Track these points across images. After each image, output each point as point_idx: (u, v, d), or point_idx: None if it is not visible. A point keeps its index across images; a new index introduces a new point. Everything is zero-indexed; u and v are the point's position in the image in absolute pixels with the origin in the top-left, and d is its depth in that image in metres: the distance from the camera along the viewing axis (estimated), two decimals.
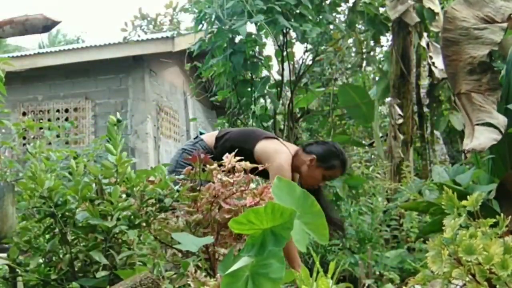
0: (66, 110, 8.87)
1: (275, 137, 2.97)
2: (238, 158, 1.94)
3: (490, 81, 2.17)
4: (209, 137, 2.96)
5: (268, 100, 5.14)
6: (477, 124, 2.15)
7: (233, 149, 2.67)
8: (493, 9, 2.21)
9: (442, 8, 4.77)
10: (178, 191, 1.92)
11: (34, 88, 8.99)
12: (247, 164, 1.92)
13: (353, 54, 7.63)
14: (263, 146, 2.79)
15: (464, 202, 1.40)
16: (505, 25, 2.18)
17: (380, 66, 6.86)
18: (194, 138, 3.01)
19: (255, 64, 4.70)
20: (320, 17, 4.80)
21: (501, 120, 2.15)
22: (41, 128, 4.51)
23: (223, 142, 2.86)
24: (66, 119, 8.74)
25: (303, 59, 5.58)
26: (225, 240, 1.85)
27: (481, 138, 2.08)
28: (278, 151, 2.78)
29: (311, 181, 2.83)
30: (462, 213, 1.40)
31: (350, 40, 7.06)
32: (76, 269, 1.91)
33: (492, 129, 2.15)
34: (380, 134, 6.14)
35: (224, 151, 2.72)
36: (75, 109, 8.82)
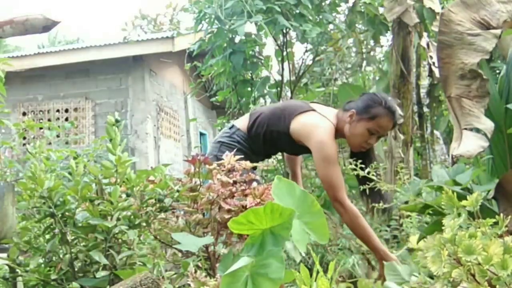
0: (66, 110, 8.87)
1: (310, 109, 2.58)
2: (238, 157, 1.92)
3: (479, 88, 2.17)
4: (243, 123, 2.67)
5: (268, 100, 5.14)
6: (465, 129, 2.16)
7: (270, 134, 2.59)
8: (489, 12, 2.21)
9: (442, 8, 4.76)
10: (178, 191, 1.92)
11: (34, 88, 9.00)
12: (247, 164, 1.91)
13: (353, 54, 7.63)
14: (298, 124, 2.51)
15: (463, 202, 1.40)
16: (498, 31, 2.19)
17: (380, 66, 6.86)
18: (230, 128, 2.68)
19: (255, 64, 4.70)
20: (320, 17, 4.80)
21: (488, 125, 2.15)
22: (41, 128, 4.52)
23: (256, 128, 2.61)
24: (66, 119, 8.75)
25: (303, 59, 5.58)
26: (226, 240, 1.85)
27: (470, 145, 2.08)
28: (314, 126, 2.46)
29: (357, 140, 2.51)
30: (461, 213, 1.40)
31: (350, 40, 7.06)
32: (76, 269, 1.92)
33: (480, 136, 2.16)
34: None
35: (260, 138, 2.62)
36: (75, 109, 8.83)
